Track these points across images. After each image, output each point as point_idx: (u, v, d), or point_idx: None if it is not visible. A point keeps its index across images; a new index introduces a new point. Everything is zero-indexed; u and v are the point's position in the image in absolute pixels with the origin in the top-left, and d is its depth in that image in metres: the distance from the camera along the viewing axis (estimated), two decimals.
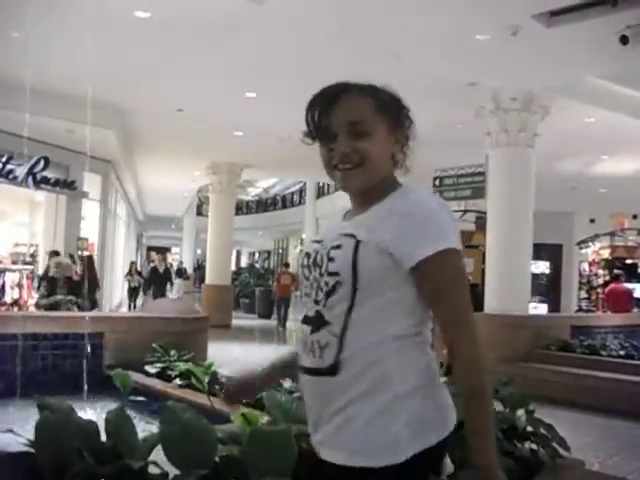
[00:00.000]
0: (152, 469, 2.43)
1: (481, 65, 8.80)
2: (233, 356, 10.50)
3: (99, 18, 7.16)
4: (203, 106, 11.37)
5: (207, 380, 5.81)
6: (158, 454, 2.55)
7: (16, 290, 14.91)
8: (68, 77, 9.09)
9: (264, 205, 38.71)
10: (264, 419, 3.12)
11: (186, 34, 7.98)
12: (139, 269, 20.41)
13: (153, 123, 12.93)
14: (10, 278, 14.45)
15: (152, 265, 22.03)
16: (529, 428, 3.62)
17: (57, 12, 7.38)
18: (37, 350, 6.00)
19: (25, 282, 15.16)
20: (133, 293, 19.76)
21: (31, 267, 16.19)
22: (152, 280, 19.80)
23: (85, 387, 5.68)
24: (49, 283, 9.64)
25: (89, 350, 6.62)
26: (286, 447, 2.52)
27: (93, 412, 4.81)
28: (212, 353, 8.75)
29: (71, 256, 13.14)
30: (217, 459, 2.62)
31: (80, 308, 8.68)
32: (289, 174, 25.35)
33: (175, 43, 8.28)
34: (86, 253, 14.19)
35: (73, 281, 9.80)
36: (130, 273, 19.57)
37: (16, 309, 11.69)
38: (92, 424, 2.60)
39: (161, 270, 19.79)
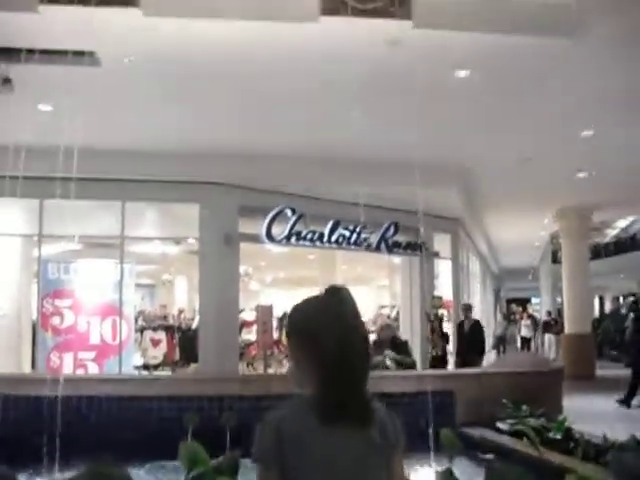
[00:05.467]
0: None
1: None
2: (594, 410, 9.78)
3: (423, 87, 7.56)
4: (541, 153, 11.16)
5: (559, 436, 5.61)
6: None
7: None
8: (405, 146, 9.65)
9: (623, 246, 36.11)
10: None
11: (507, 85, 8.03)
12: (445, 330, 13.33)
13: (493, 177, 13.01)
14: None
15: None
16: None
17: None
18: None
19: None
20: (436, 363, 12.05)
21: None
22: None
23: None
24: (375, 345, 9.60)
25: (439, 408, 6.77)
26: None
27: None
28: (570, 406, 8.32)
29: (427, 314, 13.59)
30: None
31: (404, 367, 8.77)
32: None
33: (498, 94, 8.35)
34: (441, 311, 14.57)
35: (399, 341, 9.82)
36: (432, 331, 12.69)
37: None
38: None
39: (466, 328, 12.69)
